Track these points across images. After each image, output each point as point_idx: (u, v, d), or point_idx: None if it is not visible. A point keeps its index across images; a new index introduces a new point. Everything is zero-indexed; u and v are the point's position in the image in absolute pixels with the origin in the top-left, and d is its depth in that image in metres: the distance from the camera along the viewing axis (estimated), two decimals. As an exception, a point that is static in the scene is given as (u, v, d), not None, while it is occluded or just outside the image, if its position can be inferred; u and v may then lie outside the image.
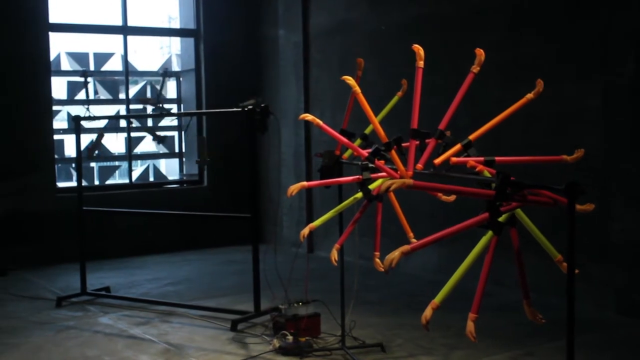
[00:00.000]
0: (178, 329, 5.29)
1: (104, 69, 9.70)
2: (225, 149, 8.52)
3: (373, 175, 3.73)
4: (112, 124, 9.00)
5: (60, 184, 8.86)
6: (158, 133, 8.79)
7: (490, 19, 6.25)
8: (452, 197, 3.85)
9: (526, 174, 3.11)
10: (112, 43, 9.97)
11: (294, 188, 3.84)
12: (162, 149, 10.02)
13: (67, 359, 4.66)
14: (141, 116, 9.24)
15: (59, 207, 7.89)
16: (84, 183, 7.07)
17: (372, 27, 7.48)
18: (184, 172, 9.50)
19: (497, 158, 3.29)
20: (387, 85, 5.74)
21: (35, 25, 7.93)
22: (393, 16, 7.25)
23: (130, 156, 9.07)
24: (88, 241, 6.58)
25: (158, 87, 9.15)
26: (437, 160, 3.27)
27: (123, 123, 8.91)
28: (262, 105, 5.35)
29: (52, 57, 8.44)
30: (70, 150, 9.47)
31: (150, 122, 9.16)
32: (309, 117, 3.86)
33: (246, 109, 5.30)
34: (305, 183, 4.00)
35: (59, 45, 9.33)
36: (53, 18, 8.17)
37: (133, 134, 9.15)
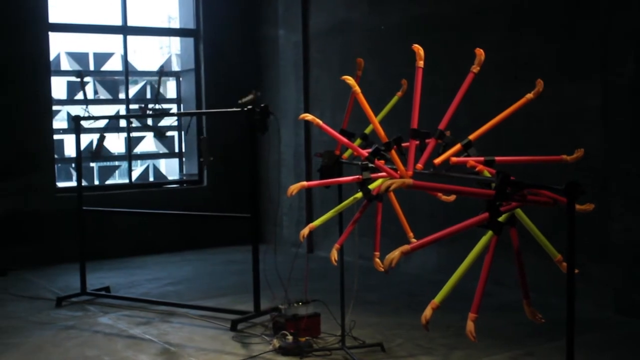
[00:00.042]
0: (178, 329, 5.29)
1: (103, 68, 9.69)
2: (225, 149, 8.51)
3: (373, 175, 3.73)
4: (112, 124, 9.00)
5: (60, 184, 8.86)
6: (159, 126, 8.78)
7: (490, 19, 6.25)
8: (452, 197, 3.85)
9: (526, 173, 3.11)
10: (111, 43, 9.96)
11: (293, 188, 3.84)
12: (162, 149, 10.02)
13: (66, 358, 4.66)
14: (141, 116, 9.23)
15: (58, 207, 7.89)
16: (83, 183, 7.07)
17: (372, 27, 7.48)
18: (184, 172, 9.50)
19: (497, 158, 3.29)
20: (387, 85, 5.74)
21: (35, 25, 7.93)
22: (393, 16, 7.25)
23: (130, 156, 9.07)
24: (88, 241, 6.58)
25: (156, 86, 9.14)
26: (437, 160, 3.27)
27: (123, 123, 8.92)
28: (262, 104, 5.35)
29: (52, 57, 8.44)
30: (70, 150, 9.46)
31: (150, 122, 9.16)
32: (308, 117, 3.85)
33: (246, 107, 5.30)
34: (305, 183, 4.00)
35: (59, 45, 9.33)
36: (53, 18, 8.17)
37: (133, 134, 9.15)
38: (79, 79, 8.04)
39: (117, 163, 10.33)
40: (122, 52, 8.93)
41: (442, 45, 6.50)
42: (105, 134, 6.42)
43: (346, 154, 4.20)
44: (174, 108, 9.47)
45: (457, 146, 3.26)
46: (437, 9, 6.77)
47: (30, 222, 7.90)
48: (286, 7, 8.63)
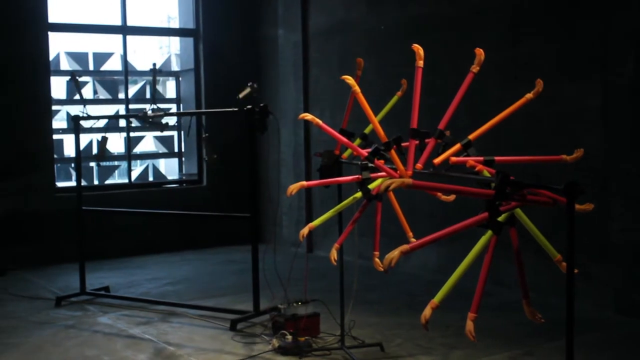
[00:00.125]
0: (177, 329, 5.29)
1: (103, 68, 9.69)
2: (225, 148, 8.50)
3: (372, 175, 3.72)
4: (112, 124, 8.99)
5: (60, 184, 8.86)
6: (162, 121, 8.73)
7: (490, 19, 6.25)
8: (452, 197, 3.84)
9: (526, 173, 3.11)
10: (111, 43, 9.96)
11: (293, 187, 3.84)
12: (162, 149, 10.02)
13: (66, 358, 4.66)
14: (140, 116, 9.21)
15: (58, 207, 7.89)
16: (83, 183, 7.06)
17: (372, 26, 7.48)
18: (184, 171, 9.50)
19: (496, 158, 3.29)
20: (387, 85, 5.75)
21: (35, 25, 7.93)
22: (392, 16, 7.25)
23: (129, 156, 9.07)
24: (87, 241, 6.58)
25: (155, 86, 9.13)
26: (437, 160, 3.27)
27: (122, 122, 8.91)
28: (261, 104, 5.35)
29: (52, 56, 8.44)
30: (69, 150, 9.46)
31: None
32: (308, 116, 3.85)
33: (245, 101, 5.31)
34: (304, 182, 4.00)
35: (58, 45, 9.33)
36: (52, 18, 8.17)
37: (132, 134, 9.15)
38: (78, 79, 7.99)
39: (116, 163, 10.33)
40: (121, 52, 8.93)
41: (441, 45, 6.50)
42: (107, 136, 6.41)
43: (346, 154, 4.20)
44: (173, 108, 9.47)
45: (457, 146, 3.26)
46: (436, 9, 6.77)
47: (30, 222, 7.89)
48: (286, 7, 8.63)
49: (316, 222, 3.95)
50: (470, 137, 3.28)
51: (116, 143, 9.91)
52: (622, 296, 5.34)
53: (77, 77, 6.42)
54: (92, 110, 8.48)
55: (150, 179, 10.29)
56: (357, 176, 3.75)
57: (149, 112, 6.03)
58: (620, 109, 5.33)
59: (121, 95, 9.45)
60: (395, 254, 2.54)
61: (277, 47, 8.81)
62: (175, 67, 10.09)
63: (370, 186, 3.73)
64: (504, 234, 2.81)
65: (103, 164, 9.64)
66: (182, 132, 9.45)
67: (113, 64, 9.79)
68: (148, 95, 9.67)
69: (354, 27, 7.74)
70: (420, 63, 3.40)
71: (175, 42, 10.61)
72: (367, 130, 4.06)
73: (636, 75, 5.20)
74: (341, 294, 4.57)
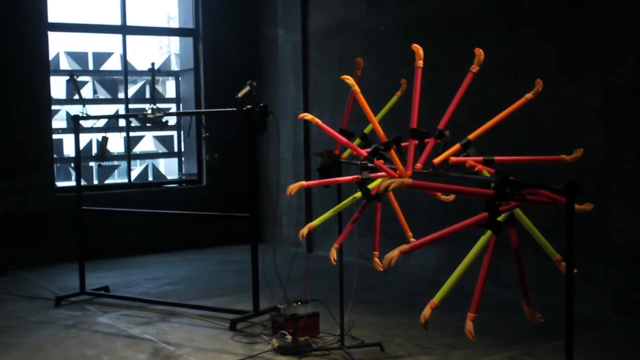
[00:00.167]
0: (177, 329, 5.29)
1: (103, 68, 9.69)
2: (225, 148, 8.50)
3: (372, 175, 3.72)
4: (112, 124, 8.98)
5: (60, 184, 8.85)
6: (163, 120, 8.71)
7: (490, 19, 6.25)
8: (451, 197, 3.84)
9: (525, 173, 3.11)
10: (111, 42, 9.95)
11: (293, 187, 3.84)
12: (161, 148, 10.01)
13: (66, 358, 4.66)
14: (140, 116, 9.20)
15: (58, 207, 7.89)
16: (83, 182, 7.06)
17: (371, 26, 7.48)
18: (183, 171, 9.49)
19: (496, 158, 3.29)
20: (386, 85, 5.74)
21: (34, 24, 7.93)
22: (392, 16, 7.25)
23: (129, 155, 9.07)
24: (87, 241, 6.58)
25: (156, 86, 9.12)
26: (436, 160, 3.27)
27: (122, 122, 8.91)
28: (261, 104, 5.35)
29: (51, 56, 8.44)
30: (69, 150, 9.45)
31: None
32: (308, 116, 3.85)
33: (245, 100, 5.31)
34: (304, 182, 4.00)
35: (58, 44, 9.32)
36: (52, 17, 8.17)
37: (132, 134, 9.14)
38: (71, 82, 7.99)
39: (116, 163, 10.32)
40: (121, 51, 8.93)
41: (441, 45, 6.50)
42: (107, 136, 6.42)
43: (345, 154, 4.19)
44: (173, 108, 9.46)
45: (457, 146, 3.26)
46: (436, 9, 6.77)
47: (29, 221, 7.89)
48: (285, 7, 8.63)
49: (316, 222, 3.95)
50: (470, 137, 3.27)
51: (116, 143, 9.90)
52: (621, 296, 5.34)
53: (75, 77, 6.42)
54: (92, 110, 8.47)
55: (150, 178, 10.28)
56: (356, 176, 3.75)
57: (149, 113, 6.02)
58: (620, 109, 5.33)
59: (121, 95, 9.44)
60: (394, 253, 2.53)
61: (277, 47, 8.81)
62: (174, 67, 10.08)
63: (370, 186, 3.73)
64: (503, 234, 2.81)
65: (103, 164, 9.64)
66: (182, 132, 9.45)
67: (113, 64, 9.78)
68: (148, 95, 9.67)
69: (354, 27, 7.74)
70: (420, 63, 3.40)
71: (175, 41, 10.60)
72: (366, 130, 4.06)
73: (636, 75, 5.20)
74: (341, 294, 4.57)
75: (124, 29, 8.73)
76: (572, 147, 3.38)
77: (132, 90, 9.69)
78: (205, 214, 7.97)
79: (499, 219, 2.77)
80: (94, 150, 9.88)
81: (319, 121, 3.80)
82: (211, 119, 8.97)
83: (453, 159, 3.23)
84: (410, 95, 3.40)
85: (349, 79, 3.57)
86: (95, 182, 9.79)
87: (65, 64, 9.43)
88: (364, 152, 3.67)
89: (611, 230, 5.36)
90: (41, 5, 7.99)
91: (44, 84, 8.04)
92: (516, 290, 3.18)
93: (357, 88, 3.54)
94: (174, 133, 9.60)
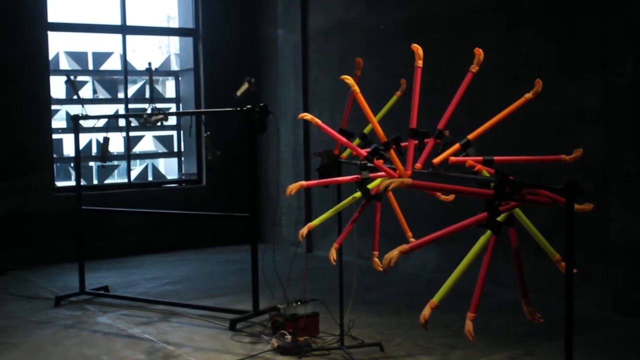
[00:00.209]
0: (177, 329, 5.29)
1: (102, 68, 9.69)
2: (224, 148, 8.50)
3: (372, 175, 3.72)
4: (112, 123, 8.98)
5: (59, 184, 8.85)
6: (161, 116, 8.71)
7: (490, 19, 6.25)
8: (451, 197, 3.84)
9: (525, 173, 3.11)
10: (110, 42, 9.95)
11: (292, 187, 3.84)
12: (161, 148, 10.01)
13: (66, 358, 4.65)
14: (141, 115, 9.20)
15: (58, 207, 7.89)
16: (82, 182, 7.06)
17: (371, 26, 7.48)
18: (183, 171, 9.49)
19: (495, 157, 3.29)
20: (386, 85, 5.74)
21: (34, 24, 7.93)
22: (392, 16, 7.24)
23: (129, 155, 9.07)
24: (87, 240, 6.58)
25: (156, 86, 9.13)
26: (436, 160, 3.27)
27: (122, 122, 8.90)
28: (261, 104, 5.35)
29: (51, 56, 8.43)
30: (69, 150, 9.46)
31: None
32: (307, 116, 3.85)
33: (244, 98, 5.31)
34: (304, 182, 4.00)
35: (58, 44, 9.32)
36: (52, 17, 8.17)
37: (132, 133, 9.14)
38: (69, 83, 8.00)
39: (116, 162, 10.33)
40: (121, 51, 8.93)
41: (441, 45, 6.50)
42: (109, 136, 6.42)
43: (345, 154, 4.19)
44: (172, 108, 9.46)
45: (456, 146, 3.26)
46: (436, 9, 6.77)
47: (29, 221, 7.89)
48: (285, 7, 8.63)
49: (315, 222, 3.95)
50: (470, 136, 3.27)
51: (116, 143, 9.90)
52: (621, 296, 5.34)
53: (72, 79, 6.41)
54: (92, 109, 8.47)
55: (150, 178, 10.29)
56: (356, 176, 3.75)
57: (148, 117, 6.01)
58: (620, 109, 5.33)
59: (120, 95, 9.44)
60: (394, 253, 2.53)
61: (276, 47, 8.81)
62: (174, 66, 10.08)
63: (370, 186, 3.73)
64: (503, 234, 2.81)
65: (105, 164, 9.64)
66: (182, 132, 9.44)
67: (112, 64, 9.78)
68: (147, 95, 9.67)
69: (354, 27, 7.73)
70: (420, 63, 3.40)
71: (174, 41, 10.60)
72: (366, 130, 4.06)
73: (636, 75, 5.20)
74: (340, 293, 4.57)
75: (124, 29, 8.73)
76: (572, 147, 3.38)
77: (132, 90, 9.69)
78: (205, 213, 7.97)
79: (499, 219, 2.77)
80: (94, 150, 9.89)
81: (319, 121, 3.80)
82: (211, 119, 8.97)
83: (453, 158, 3.22)
84: (410, 95, 3.40)
85: (348, 79, 3.57)
86: (95, 182, 9.80)
87: (65, 64, 9.44)
88: (364, 152, 3.67)
89: (611, 230, 5.36)
90: (41, 5, 7.99)
91: (44, 84, 8.04)
92: (516, 290, 3.18)
93: (356, 88, 3.54)
94: (174, 133, 9.59)
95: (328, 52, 8.09)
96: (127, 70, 8.85)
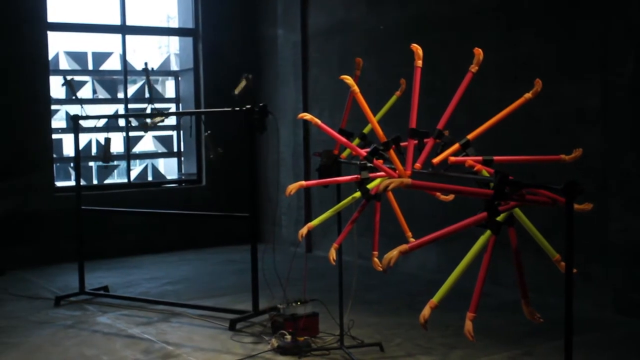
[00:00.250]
0: (176, 329, 5.29)
1: (102, 68, 9.69)
2: (224, 148, 8.50)
3: (371, 175, 3.72)
4: (111, 124, 8.98)
5: (59, 184, 8.85)
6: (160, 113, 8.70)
7: (490, 19, 6.25)
8: (451, 197, 3.84)
9: (524, 173, 3.11)
10: (110, 42, 9.96)
11: (292, 187, 3.83)
12: (161, 148, 10.00)
13: (65, 358, 4.65)
14: (140, 115, 9.21)
15: (57, 207, 7.88)
16: (82, 182, 7.06)
17: (371, 26, 7.48)
18: (183, 171, 9.49)
19: (495, 157, 3.29)
20: (386, 85, 5.74)
21: (34, 24, 7.93)
22: (392, 16, 7.24)
23: (128, 155, 9.07)
24: (87, 240, 6.57)
25: (155, 86, 9.13)
26: (436, 160, 3.27)
27: (122, 122, 8.90)
28: (261, 104, 5.36)
29: (51, 56, 8.43)
30: (68, 150, 9.45)
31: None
32: (307, 116, 3.85)
33: (242, 97, 5.31)
34: (303, 182, 4.00)
35: (58, 44, 9.32)
36: (51, 17, 8.17)
37: (131, 133, 9.14)
38: (67, 84, 8.00)
39: (116, 163, 10.33)
40: (120, 51, 8.92)
41: (441, 45, 6.50)
42: (110, 137, 6.42)
43: (345, 154, 4.19)
44: (172, 108, 9.46)
45: (456, 146, 3.26)
46: (436, 9, 6.77)
47: (29, 221, 7.89)
48: (285, 7, 8.63)
49: (315, 222, 3.95)
50: (469, 136, 3.27)
51: (115, 143, 9.90)
52: (621, 296, 5.34)
53: (70, 80, 6.41)
54: (91, 109, 8.48)
55: (150, 178, 10.28)
56: (356, 176, 3.75)
57: (149, 121, 6.01)
58: (620, 109, 5.33)
59: (120, 95, 9.44)
60: (394, 253, 2.53)
61: (276, 47, 8.81)
62: (174, 66, 10.08)
63: (369, 186, 3.73)
64: (502, 234, 2.81)
65: (102, 163, 9.63)
66: (182, 132, 9.44)
67: (112, 64, 9.78)
68: (147, 95, 9.67)
69: (354, 27, 7.73)
70: (419, 63, 3.40)
71: (174, 41, 10.59)
72: (366, 130, 4.06)
73: (636, 75, 5.20)
74: (340, 293, 4.57)
75: (124, 29, 8.73)
76: (572, 147, 3.37)
77: (132, 90, 9.69)
78: (205, 213, 7.97)
79: (498, 218, 2.77)
80: (94, 150, 9.88)
81: (319, 121, 3.80)
82: (211, 119, 8.97)
83: (452, 158, 3.22)
84: (410, 95, 3.40)
85: (348, 79, 3.57)
86: (95, 182, 9.79)
87: (64, 64, 9.44)
88: (363, 152, 3.67)
89: (611, 230, 5.36)
90: (41, 5, 7.99)
91: (44, 84, 8.04)
92: (515, 290, 3.18)
93: (356, 88, 3.54)
94: (174, 133, 9.59)
95: (328, 52, 8.08)
96: (126, 70, 8.85)
